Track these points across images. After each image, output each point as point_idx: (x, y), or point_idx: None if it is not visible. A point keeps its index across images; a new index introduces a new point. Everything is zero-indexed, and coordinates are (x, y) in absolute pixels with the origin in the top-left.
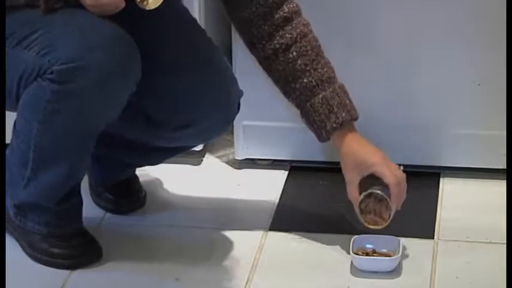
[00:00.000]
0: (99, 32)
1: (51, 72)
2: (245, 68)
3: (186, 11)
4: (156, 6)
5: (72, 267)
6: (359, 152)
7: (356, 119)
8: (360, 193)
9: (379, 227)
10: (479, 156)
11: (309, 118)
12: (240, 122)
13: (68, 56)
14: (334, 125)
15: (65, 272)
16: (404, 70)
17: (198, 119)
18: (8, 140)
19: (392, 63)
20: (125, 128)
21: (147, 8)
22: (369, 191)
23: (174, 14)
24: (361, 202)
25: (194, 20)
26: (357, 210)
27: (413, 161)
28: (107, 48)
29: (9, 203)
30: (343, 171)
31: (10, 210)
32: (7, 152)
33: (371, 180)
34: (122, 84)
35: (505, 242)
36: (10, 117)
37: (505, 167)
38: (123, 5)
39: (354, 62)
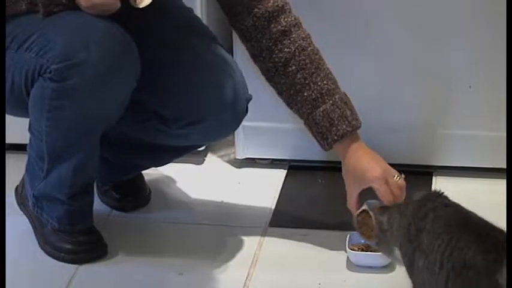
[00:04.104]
0: (93, 28)
1: (50, 71)
2: (245, 69)
3: (190, 10)
4: (148, 4)
5: (75, 262)
6: (359, 166)
7: (358, 128)
8: (361, 203)
9: (371, 242)
10: (471, 155)
11: (311, 129)
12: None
13: (64, 54)
14: (336, 137)
15: (72, 267)
16: (398, 72)
17: (207, 116)
18: (8, 140)
19: (387, 65)
20: (136, 127)
21: (140, 6)
22: (363, 207)
23: (177, 13)
24: (358, 214)
25: (197, 17)
26: (354, 222)
27: (406, 161)
28: (102, 43)
29: (29, 193)
30: (345, 182)
31: (29, 201)
32: (28, 147)
33: (372, 190)
34: (119, 78)
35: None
36: (11, 117)
37: (496, 166)
38: (118, 5)
39: (349, 63)
